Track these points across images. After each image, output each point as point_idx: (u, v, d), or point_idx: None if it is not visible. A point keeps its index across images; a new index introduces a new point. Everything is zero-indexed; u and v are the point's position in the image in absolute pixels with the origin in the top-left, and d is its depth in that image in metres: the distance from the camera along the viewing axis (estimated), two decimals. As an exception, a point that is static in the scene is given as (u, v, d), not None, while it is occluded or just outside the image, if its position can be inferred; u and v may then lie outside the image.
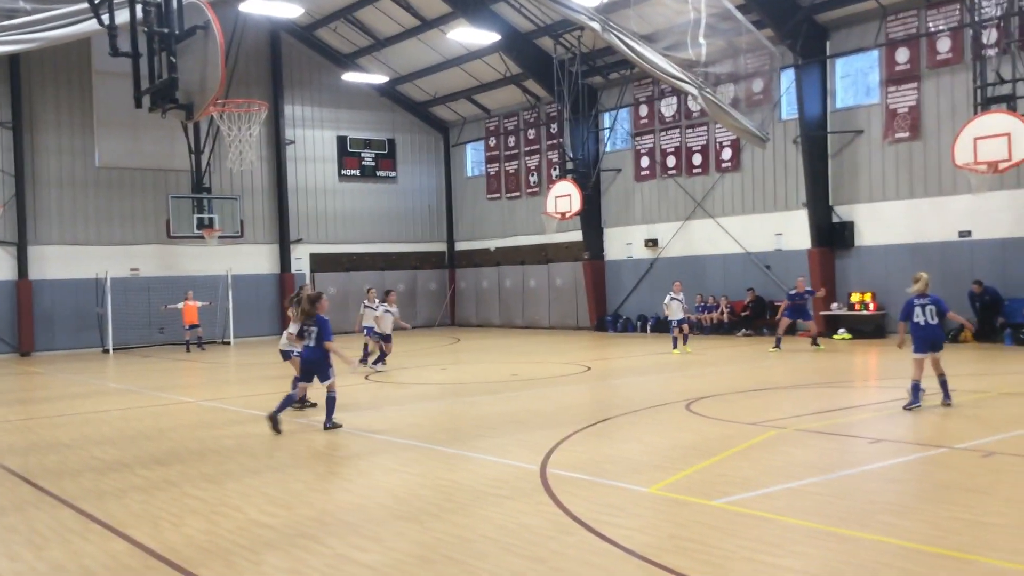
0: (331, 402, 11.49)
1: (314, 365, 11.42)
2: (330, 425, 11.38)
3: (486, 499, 7.65)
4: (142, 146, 30.32)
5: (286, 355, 13.69)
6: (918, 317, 11.52)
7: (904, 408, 11.44)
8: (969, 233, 22.36)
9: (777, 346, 21.16)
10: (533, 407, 13.02)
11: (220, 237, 28.81)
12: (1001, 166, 18.48)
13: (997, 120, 18.60)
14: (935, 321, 11.48)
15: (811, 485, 7.72)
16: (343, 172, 35.31)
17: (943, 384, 11.68)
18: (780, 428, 10.50)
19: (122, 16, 11.11)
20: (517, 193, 34.63)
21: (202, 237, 28.29)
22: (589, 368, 18.56)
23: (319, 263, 34.30)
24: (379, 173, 36.16)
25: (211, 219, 28.39)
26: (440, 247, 37.89)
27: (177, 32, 10.33)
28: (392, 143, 36.49)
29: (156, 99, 10.74)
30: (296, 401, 12.35)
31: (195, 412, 13.83)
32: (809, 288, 22.24)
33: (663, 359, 19.82)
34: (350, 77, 33.41)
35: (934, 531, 6.31)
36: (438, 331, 34.21)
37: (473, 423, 11.90)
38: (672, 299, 21.53)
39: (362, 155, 35.76)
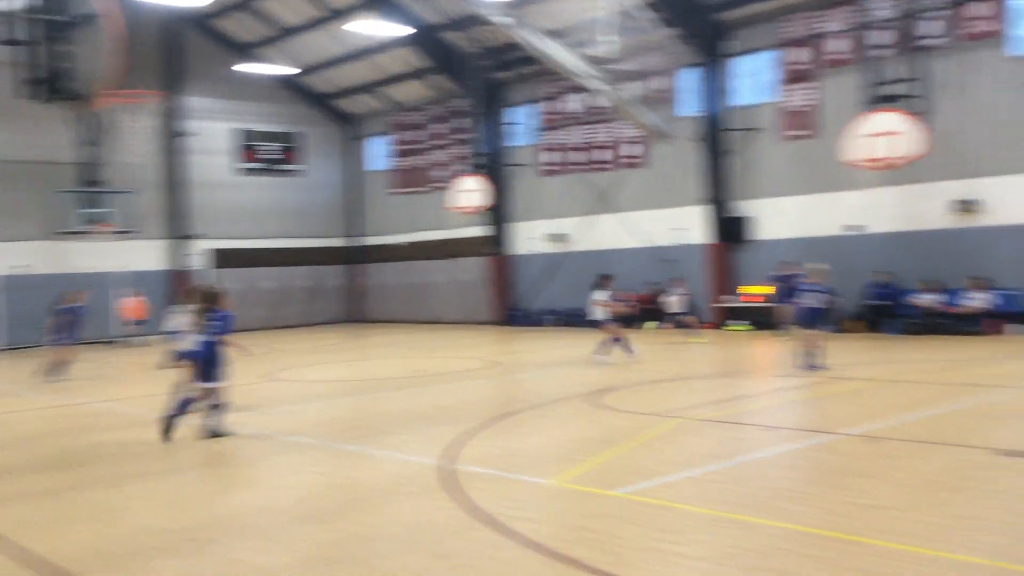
0: (218, 409, 10.62)
1: (208, 363, 10.58)
2: (218, 434, 10.53)
3: (390, 497, 7.58)
4: (29, 138, 28.98)
5: (184, 355, 13.03)
6: (808, 301, 13.89)
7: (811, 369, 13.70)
8: (860, 227, 23.24)
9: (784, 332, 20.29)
10: (438, 403, 12.98)
11: (114, 232, 27.78)
12: (890, 163, 19.25)
13: (887, 118, 19.36)
14: (821, 306, 14.13)
15: (710, 473, 7.90)
16: (245, 165, 34.51)
17: (816, 355, 14.21)
18: (681, 418, 10.72)
19: (6, 1, 10.60)
20: (424, 188, 34.45)
21: (93, 233, 27.22)
22: (495, 363, 18.61)
23: (222, 259, 33.45)
24: (283, 167, 35.47)
25: (103, 214, 27.36)
26: (344, 242, 37.42)
27: (68, 19, 9.90)
28: (296, 136, 35.83)
29: (43, 89, 10.29)
30: (192, 403, 11.75)
31: (87, 414, 13.32)
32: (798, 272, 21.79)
33: (569, 352, 20.01)
34: (252, 68, 32.62)
35: (825, 515, 6.53)
36: (342, 327, 33.80)
37: (377, 420, 11.79)
38: (673, 291, 22.19)
39: (265, 148, 35.02)
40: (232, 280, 31.89)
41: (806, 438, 9.46)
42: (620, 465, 8.33)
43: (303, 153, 36.07)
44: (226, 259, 33.47)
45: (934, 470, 7.73)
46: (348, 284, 37.08)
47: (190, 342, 11.12)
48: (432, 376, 16.38)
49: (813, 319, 14.35)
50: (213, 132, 33.76)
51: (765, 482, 7.60)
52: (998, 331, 20.26)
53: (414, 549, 6.07)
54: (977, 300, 20.82)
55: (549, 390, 14.02)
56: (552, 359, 19.04)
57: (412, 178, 34.86)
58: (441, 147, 33.62)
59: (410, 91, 33.62)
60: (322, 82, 34.82)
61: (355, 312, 36.95)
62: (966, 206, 21.35)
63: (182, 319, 12.06)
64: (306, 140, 36.17)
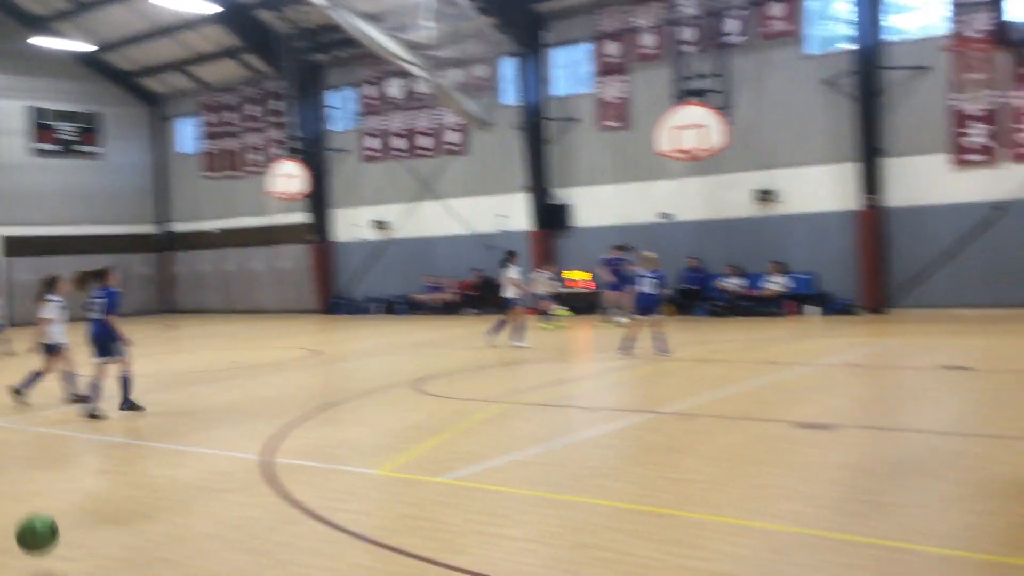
0: (125, 382, 11.11)
1: (104, 338, 10.97)
2: (127, 406, 11.04)
3: (206, 495, 7.26)
4: None
5: (53, 348, 11.87)
6: (645, 287, 14.29)
7: (629, 355, 13.92)
8: (670, 215, 24.32)
9: (614, 319, 20.77)
10: (257, 395, 12.56)
11: None
12: (697, 154, 20.24)
13: (694, 112, 20.32)
14: (655, 292, 14.46)
15: (534, 455, 8.05)
16: (40, 147, 32.07)
17: (660, 341, 14.42)
18: (506, 402, 10.86)
19: None
20: (238, 172, 33.18)
21: None
22: (317, 352, 18.22)
23: (14, 247, 30.97)
24: (82, 148, 33.21)
25: None
26: (153, 229, 35.54)
27: None
28: (96, 116, 33.62)
29: None
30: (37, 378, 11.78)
31: None
32: (621, 256, 21.74)
33: (393, 340, 19.87)
34: (47, 42, 30.26)
35: (641, 491, 6.79)
36: (152, 318, 32.11)
37: (191, 415, 11.25)
38: (538, 274, 21.74)
39: (63, 128, 32.67)
40: (26, 270, 29.57)
41: (624, 418, 9.81)
42: (446, 452, 8.34)
43: (105, 134, 33.91)
44: (19, 247, 31.02)
45: (740, 444, 8.19)
46: (158, 273, 35.26)
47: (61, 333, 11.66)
48: (251, 368, 15.83)
49: (650, 305, 14.65)
50: (5, 110, 31.18)
51: (586, 462, 7.81)
52: (795, 312, 21.77)
53: (233, 547, 5.83)
54: (777, 284, 22.27)
55: (373, 378, 13.86)
56: (376, 347, 18.84)
57: (226, 162, 33.50)
58: (256, 130, 32.48)
59: (222, 71, 32.23)
60: (125, 60, 32.83)
61: (166, 302, 35.20)
62: (765, 196, 22.76)
63: (51, 308, 11.83)
64: (108, 120, 34.01)
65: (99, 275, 11.20)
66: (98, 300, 11.01)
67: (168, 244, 35.44)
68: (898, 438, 8.37)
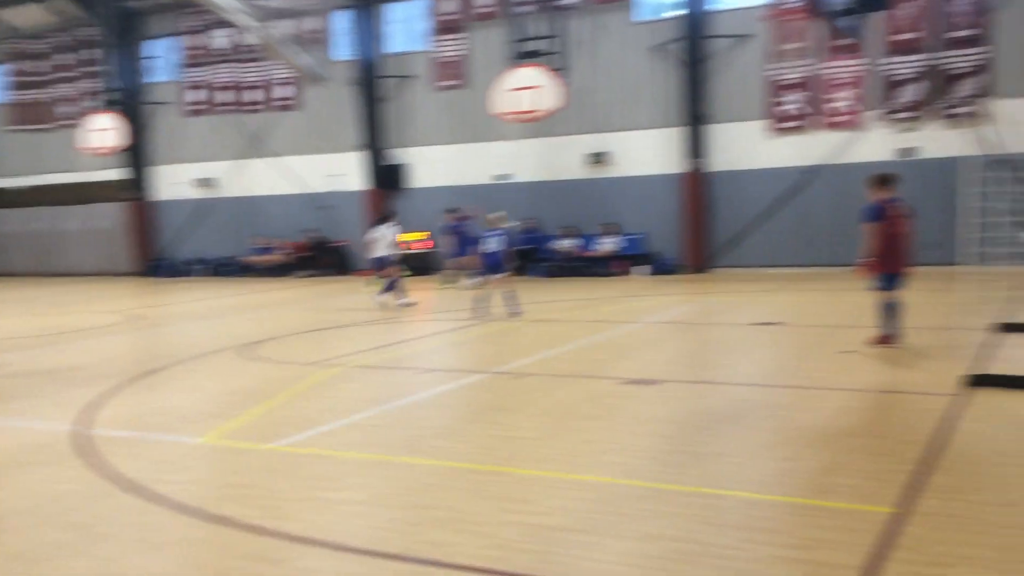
0: None
1: None
2: None
3: (16, 469, 6.79)
4: None
5: None
6: (489, 246, 14.26)
7: (481, 318, 14.01)
8: (507, 176, 24.52)
9: (462, 282, 20.45)
10: (71, 363, 11.84)
11: None
12: (532, 116, 20.45)
13: (529, 73, 20.50)
14: (499, 250, 14.44)
15: (368, 418, 7.98)
16: None
17: (511, 301, 14.48)
18: (339, 366, 10.71)
19: None
20: (49, 125, 30.89)
21: None
22: (137, 317, 17.34)
23: None
24: None
25: None
26: (-48, 185, 32.70)
27: None
28: None
29: None
30: None
31: None
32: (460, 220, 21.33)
33: (220, 303, 19.17)
34: None
35: (475, 450, 6.86)
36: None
37: (-2, 385, 10.49)
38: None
39: None
40: None
41: (458, 378, 9.87)
42: (276, 417, 8.14)
43: None
44: None
45: (570, 401, 8.41)
46: (-43, 233, 32.53)
47: None
48: (64, 334, 14.88)
49: (497, 264, 14.66)
50: None
51: (420, 423, 7.82)
52: (625, 272, 22.52)
53: (46, 522, 5.49)
54: (608, 244, 22.94)
55: (198, 344, 13.33)
56: (201, 311, 18.13)
57: (35, 114, 31.12)
58: (69, 80, 30.30)
59: (29, 15, 29.77)
60: (-87, -3, 29.80)
61: (-33, 265, 32.58)
62: (598, 158, 23.32)
63: None
64: None
65: None
66: None
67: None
68: (716, 391, 8.83)
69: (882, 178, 10.31)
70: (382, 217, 17.76)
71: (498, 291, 14.82)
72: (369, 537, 5.10)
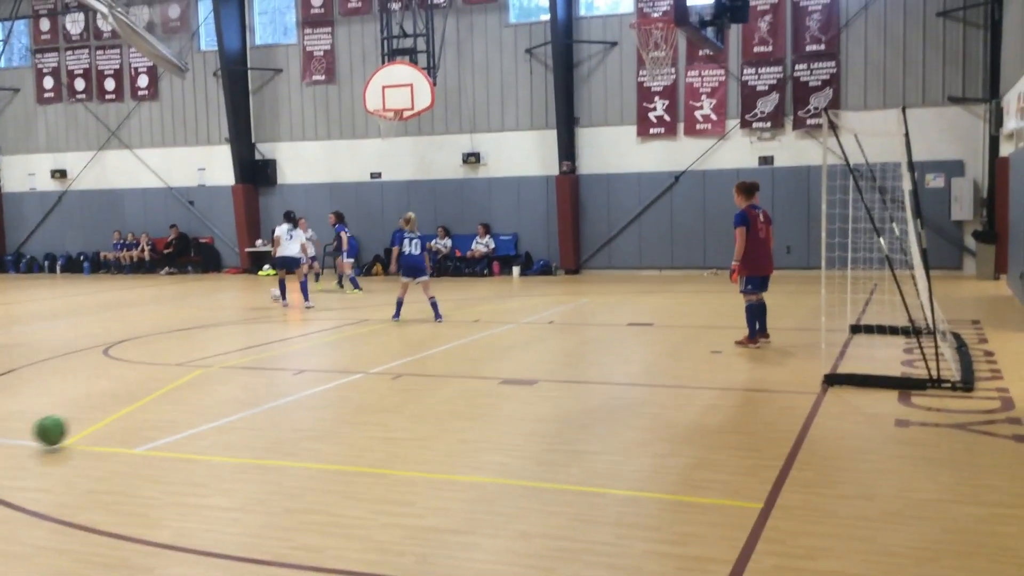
0: None
1: None
2: None
3: None
4: None
5: None
6: (406, 248, 13.71)
7: (393, 319, 13.61)
8: (379, 174, 24.28)
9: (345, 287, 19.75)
10: (-90, 364, 11.00)
11: None
12: (405, 114, 20.30)
13: (401, 71, 20.32)
14: (419, 252, 13.84)
15: (238, 421, 7.74)
16: None
17: (434, 305, 13.86)
18: (206, 367, 10.35)
19: None
20: None
21: None
22: (-15, 315, 16.29)
23: None
24: None
25: None
26: None
27: None
28: None
29: None
30: None
31: None
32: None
33: (75, 301, 18.21)
34: None
35: (352, 452, 6.76)
36: None
37: None
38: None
39: None
40: None
41: (333, 379, 9.70)
42: (139, 421, 7.79)
43: None
44: None
45: (448, 401, 8.40)
46: None
47: None
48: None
49: (415, 266, 13.88)
50: None
51: (294, 425, 7.64)
52: (499, 273, 22.67)
53: None
54: (483, 245, 23.03)
55: (53, 344, 12.61)
56: (55, 309, 17.19)
57: None
58: (-96, 61, 28.17)
59: None
60: None
61: None
62: (471, 158, 23.38)
63: None
64: None
65: None
66: None
67: None
68: (591, 390, 9.00)
69: (747, 186, 10.83)
70: (288, 217, 16.88)
71: (422, 294, 14.03)
72: (241, 544, 4.95)
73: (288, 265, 16.57)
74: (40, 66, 26.92)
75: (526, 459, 6.44)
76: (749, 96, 21.57)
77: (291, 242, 16.44)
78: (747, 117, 21.63)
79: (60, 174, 27.00)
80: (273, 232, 17.16)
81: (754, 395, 8.60)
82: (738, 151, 21.78)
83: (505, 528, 5.06)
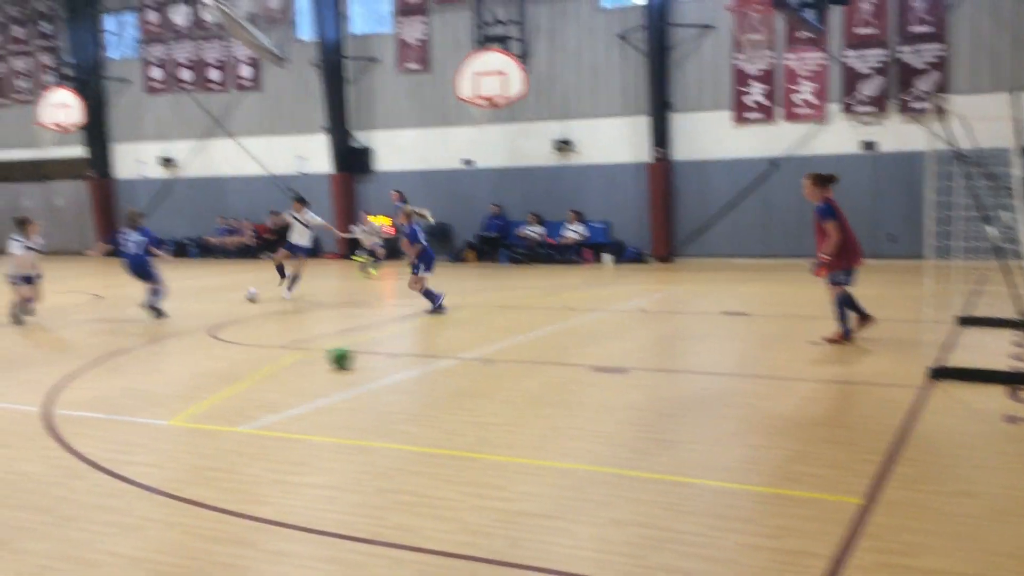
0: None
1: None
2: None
3: (-26, 450, 6.68)
4: None
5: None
6: (426, 242, 13.43)
7: (433, 311, 13.25)
8: (472, 162, 24.45)
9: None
10: (35, 341, 11.64)
11: None
12: (498, 101, 20.38)
13: (494, 59, 20.40)
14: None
15: (336, 402, 7.95)
16: None
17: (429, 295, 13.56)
18: (306, 349, 10.64)
19: None
20: (5, 100, 30.20)
21: None
22: (99, 297, 17.07)
23: None
24: None
25: None
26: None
27: None
28: None
29: None
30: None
31: None
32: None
33: (184, 284, 18.91)
34: None
35: (443, 435, 6.87)
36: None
37: (-45, 365, 10.28)
38: (362, 230, 20.13)
39: None
40: None
41: (426, 364, 9.87)
42: (243, 400, 8.08)
43: None
44: None
45: (538, 387, 8.45)
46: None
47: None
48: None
49: (433, 258, 13.68)
50: None
51: (389, 407, 7.81)
52: (591, 260, 22.61)
53: (8, 505, 5.42)
54: (574, 232, 23.00)
55: (164, 325, 13.16)
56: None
57: (-11, 88, 30.40)
58: (24, 53, 29.62)
59: (-19, -14, 29.08)
60: None
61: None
62: (563, 145, 23.33)
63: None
64: None
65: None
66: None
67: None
68: (683, 379, 8.93)
69: (825, 177, 10.46)
70: (299, 202, 16.52)
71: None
72: (338, 521, 5.09)
73: (293, 250, 16.25)
74: (149, 57, 27.96)
75: (616, 447, 6.44)
76: (851, 79, 20.92)
77: (297, 228, 16.19)
78: (848, 101, 20.98)
79: (168, 162, 28.05)
80: (287, 217, 16.71)
81: (853, 387, 8.39)
82: (839, 136, 21.16)
83: (595, 515, 5.08)
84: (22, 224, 12.85)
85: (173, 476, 5.97)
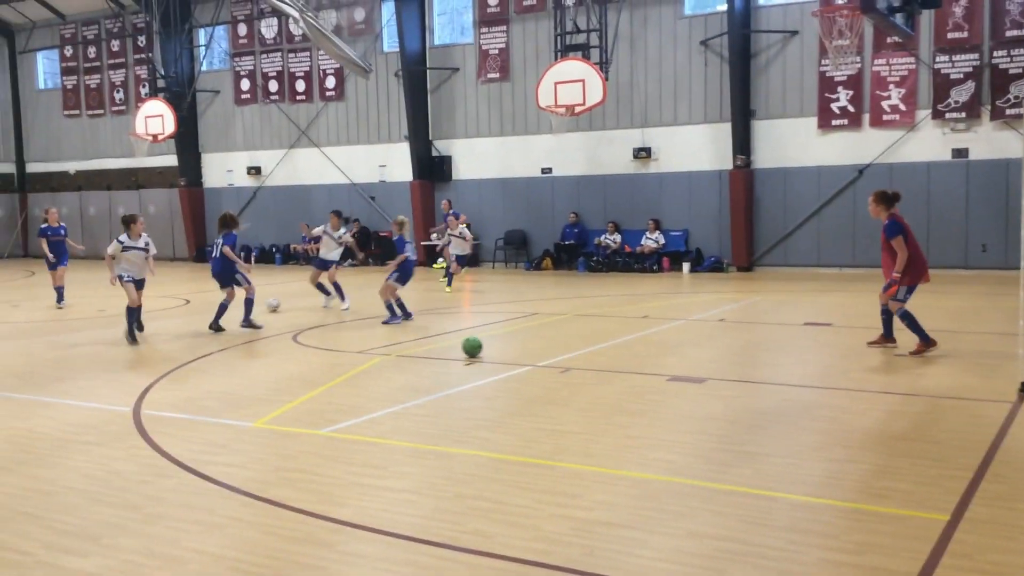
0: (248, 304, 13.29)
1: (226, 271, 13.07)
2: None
3: (71, 447, 6.95)
4: None
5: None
6: (412, 254, 13.87)
7: (386, 323, 13.54)
8: (550, 170, 24.48)
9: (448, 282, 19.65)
10: (126, 344, 12.05)
11: None
12: (577, 110, 20.36)
13: (574, 67, 20.39)
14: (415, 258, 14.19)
15: (413, 408, 8.04)
16: None
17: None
18: (384, 355, 10.79)
19: None
20: (100, 111, 31.47)
21: None
22: (185, 301, 17.61)
23: None
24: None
25: None
26: (7, 168, 33.39)
27: None
28: (-59, 44, 31.16)
29: None
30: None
31: None
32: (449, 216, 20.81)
33: (267, 291, 19.36)
34: None
35: (520, 442, 6.88)
36: (8, 263, 30.31)
37: (53, 365, 10.72)
38: (450, 235, 19.20)
39: (-99, 56, 30.19)
40: None
41: (503, 371, 9.90)
42: (323, 403, 8.23)
43: (-49, 64, 31.54)
44: None
45: (615, 396, 8.39)
46: (13, 215, 33.20)
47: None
48: (116, 316, 15.12)
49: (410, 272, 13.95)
50: None
51: (465, 413, 7.86)
52: (667, 268, 22.39)
53: (100, 501, 5.62)
54: (653, 240, 22.82)
55: (247, 329, 13.49)
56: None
57: (88, 99, 31.71)
58: (120, 67, 30.82)
59: (82, 1, 30.33)
60: (-26, -16, 30.48)
61: (22, 246, 33.25)
62: (642, 153, 23.19)
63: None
64: (-45, 50, 31.62)
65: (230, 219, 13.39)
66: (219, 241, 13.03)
67: (24, 185, 33.40)
68: (764, 390, 8.76)
69: (891, 195, 10.26)
70: (337, 216, 16.26)
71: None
72: (415, 525, 5.14)
73: (322, 265, 15.95)
74: (238, 69, 28.78)
75: (694, 457, 6.35)
76: (942, 85, 20.29)
77: (329, 242, 15.92)
78: (939, 107, 20.36)
79: (255, 171, 28.81)
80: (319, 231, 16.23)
81: (941, 402, 8.11)
82: (929, 143, 20.54)
83: (673, 526, 5.02)
84: (126, 223, 12.61)
85: (255, 477, 6.12)
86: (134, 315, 12.35)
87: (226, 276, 13.18)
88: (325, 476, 6.07)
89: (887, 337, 10.50)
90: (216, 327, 12.97)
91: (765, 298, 16.64)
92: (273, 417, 7.75)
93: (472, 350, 10.41)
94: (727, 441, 6.75)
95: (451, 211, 21.67)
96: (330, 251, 16.09)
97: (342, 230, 16.29)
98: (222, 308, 13.08)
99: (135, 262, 12.44)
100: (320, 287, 15.99)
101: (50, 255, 17.29)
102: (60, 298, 16.94)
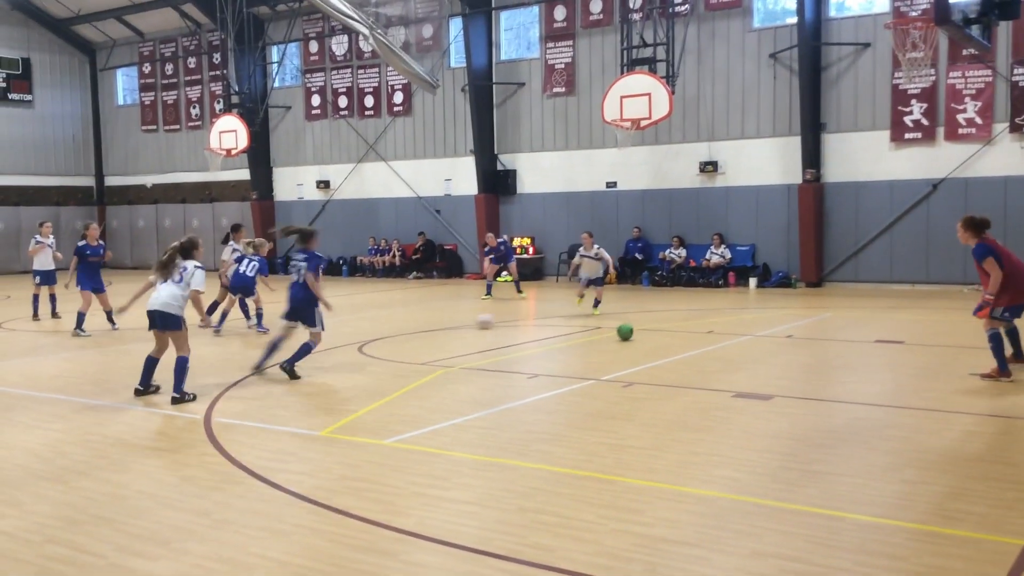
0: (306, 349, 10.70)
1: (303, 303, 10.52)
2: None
3: (143, 453, 7.15)
4: None
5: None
6: (243, 268, 14.01)
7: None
8: (615, 184, 24.41)
9: (488, 293, 20.09)
10: (196, 353, 12.32)
11: None
12: (642, 123, 20.28)
13: (640, 80, 20.32)
14: (252, 275, 14.09)
15: (475, 420, 8.08)
16: (-34, 92, 30.87)
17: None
18: (448, 367, 10.86)
19: None
20: (176, 126, 32.38)
21: None
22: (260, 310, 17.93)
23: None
24: (11, 96, 32.03)
25: None
26: (87, 181, 34.56)
27: None
28: (27, 63, 32.41)
29: None
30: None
31: None
32: (503, 239, 21.00)
33: (334, 302, 19.64)
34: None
35: (582, 456, 6.86)
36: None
37: (127, 373, 11.01)
38: (582, 255, 17.27)
39: (-10, 74, 31.49)
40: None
41: (565, 384, 9.88)
42: (387, 414, 8.32)
43: (37, 82, 32.74)
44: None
45: (678, 412, 8.32)
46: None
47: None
48: (191, 325, 15.47)
49: (246, 286, 14.18)
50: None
51: (527, 427, 7.86)
52: (733, 283, 22.11)
53: (171, 506, 5.77)
54: (718, 255, 22.57)
55: (283, 373, 13.66)
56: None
57: (165, 115, 32.66)
58: (196, 83, 31.69)
59: (161, 20, 31.32)
60: (57, 5, 31.64)
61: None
62: (708, 167, 22.98)
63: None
64: (40, 68, 32.83)
65: (309, 235, 10.87)
66: (302, 264, 10.51)
67: (103, 198, 34.51)
68: (832, 408, 8.59)
69: (980, 221, 9.77)
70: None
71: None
72: (477, 537, 5.16)
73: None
74: (309, 85, 29.36)
75: (760, 476, 6.26)
76: (1020, 98, 19.70)
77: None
78: (1018, 121, 19.76)
79: (324, 184, 29.31)
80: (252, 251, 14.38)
81: (1019, 423, 7.85)
82: (1006, 157, 19.94)
83: (737, 545, 4.95)
84: (234, 230, 13.28)
85: (321, 485, 6.21)
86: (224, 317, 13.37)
87: (306, 310, 10.52)
88: (389, 486, 6.13)
89: (1014, 358, 9.95)
90: (291, 373, 10.34)
91: (835, 314, 16.32)
92: (339, 427, 7.86)
93: (626, 335, 12.40)
94: (794, 459, 6.63)
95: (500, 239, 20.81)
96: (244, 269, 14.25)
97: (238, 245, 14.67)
98: (305, 349, 10.54)
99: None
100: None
101: (74, 282, 15.28)
102: (111, 321, 15.31)
